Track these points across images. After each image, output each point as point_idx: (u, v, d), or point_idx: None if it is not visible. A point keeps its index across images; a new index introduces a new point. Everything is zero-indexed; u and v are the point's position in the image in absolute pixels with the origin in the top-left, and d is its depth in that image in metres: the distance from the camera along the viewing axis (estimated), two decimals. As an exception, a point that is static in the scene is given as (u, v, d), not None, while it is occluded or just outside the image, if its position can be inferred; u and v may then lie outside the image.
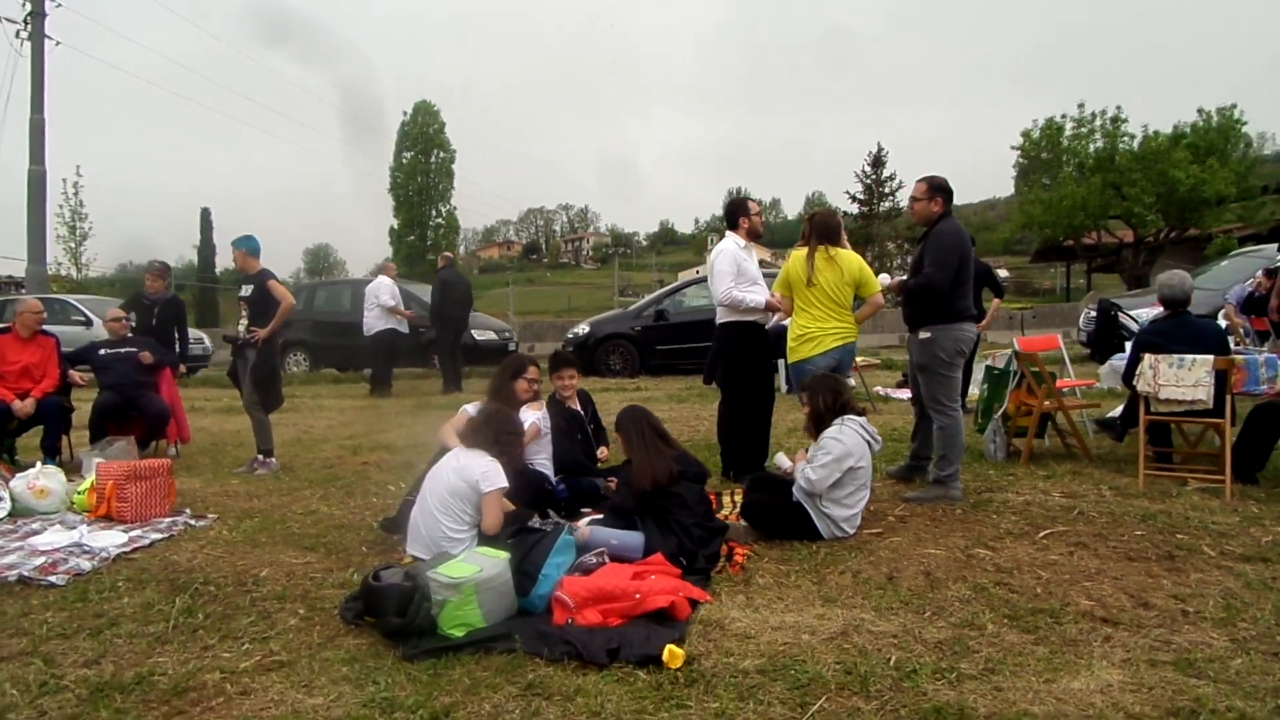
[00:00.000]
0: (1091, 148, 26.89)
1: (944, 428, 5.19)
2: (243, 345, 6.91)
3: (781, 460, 4.99)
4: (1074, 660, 3.11)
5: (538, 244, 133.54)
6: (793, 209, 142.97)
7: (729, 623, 3.49)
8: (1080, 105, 27.46)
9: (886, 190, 45.43)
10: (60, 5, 24.77)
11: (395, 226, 33.86)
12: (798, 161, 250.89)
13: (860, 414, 4.77)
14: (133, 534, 4.88)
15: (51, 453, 6.94)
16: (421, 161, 33.21)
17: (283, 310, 6.88)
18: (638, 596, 3.44)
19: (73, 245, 38.95)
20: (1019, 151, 29.03)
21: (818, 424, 4.75)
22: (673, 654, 3.12)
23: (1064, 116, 27.42)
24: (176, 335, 8.44)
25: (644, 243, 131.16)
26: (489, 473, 4.17)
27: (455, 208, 34.33)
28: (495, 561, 3.53)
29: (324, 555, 4.54)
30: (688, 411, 9.57)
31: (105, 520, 5.19)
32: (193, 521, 5.21)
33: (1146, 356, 5.49)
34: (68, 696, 3.02)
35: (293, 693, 3.01)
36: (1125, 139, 26.56)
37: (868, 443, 4.62)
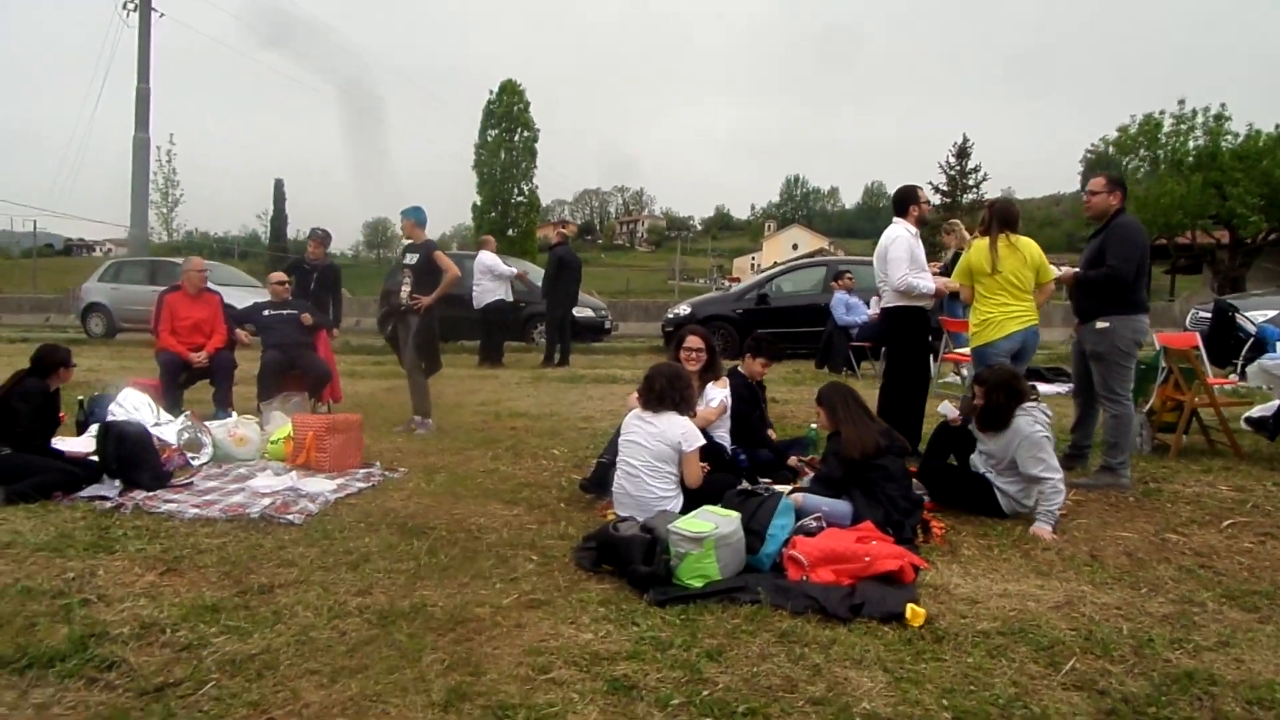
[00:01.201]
0: (1191, 145, 26.21)
1: (1117, 416, 5.29)
2: (406, 311, 7.22)
3: (946, 409, 5.09)
4: (1305, 639, 3.23)
5: (592, 225, 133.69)
6: (850, 198, 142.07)
7: (953, 588, 3.67)
8: (1181, 102, 26.79)
9: (970, 182, 44.79)
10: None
11: (477, 203, 34.46)
12: (853, 149, 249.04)
13: (1036, 399, 4.88)
14: (338, 481, 5.20)
15: (223, 404, 7.34)
16: (506, 139, 33.74)
17: (448, 280, 7.18)
18: (867, 559, 3.63)
19: (164, 211, 40.49)
20: (1112, 146, 28.41)
21: (994, 417, 4.74)
22: (914, 612, 3.31)
23: (1162, 112, 26.79)
24: (331, 301, 8.83)
25: (699, 227, 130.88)
26: (689, 433, 4.43)
27: (537, 186, 35.01)
28: (729, 520, 3.74)
29: (528, 509, 4.80)
30: (808, 394, 9.70)
31: (304, 469, 5.51)
32: (387, 473, 5.51)
33: (1316, 355, 5.50)
34: (356, 621, 3.31)
35: (563, 628, 3.26)
36: (1229, 138, 25.82)
37: (1049, 424, 4.75)
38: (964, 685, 2.81)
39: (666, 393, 4.55)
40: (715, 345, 5.52)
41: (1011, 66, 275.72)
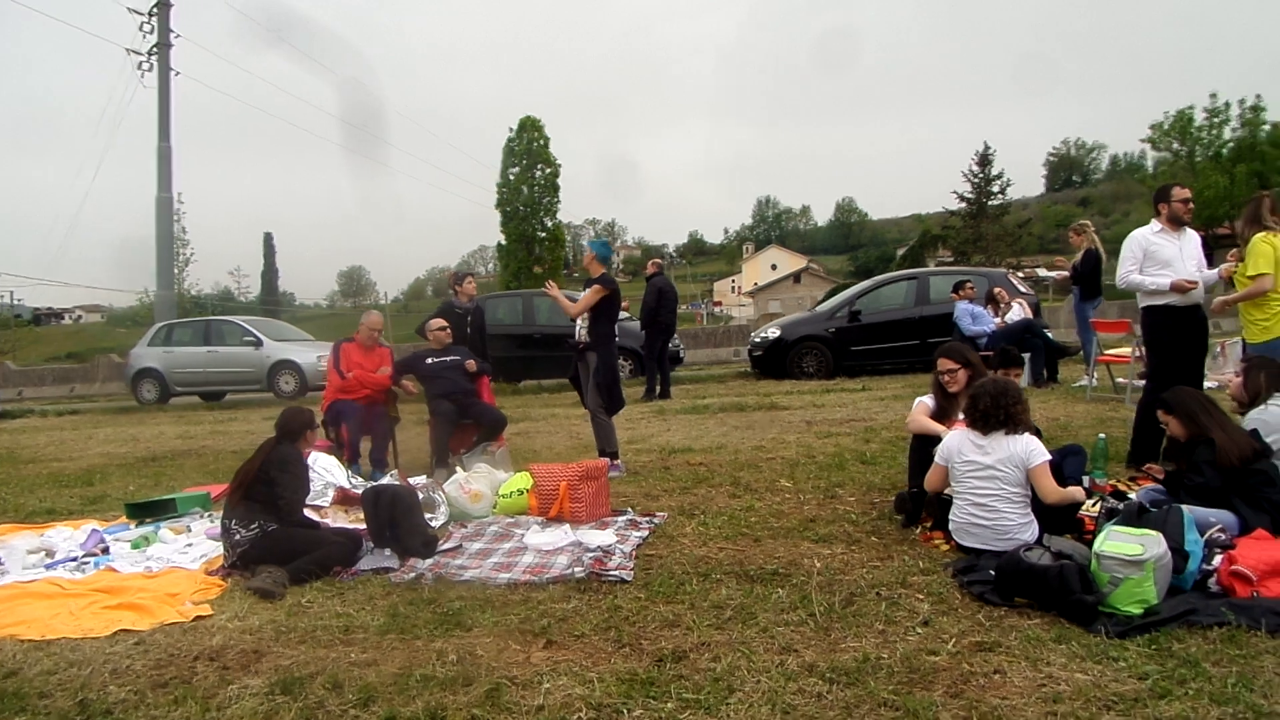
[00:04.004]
0: (1226, 135, 26.42)
1: None
2: (584, 350, 6.96)
3: None
4: None
5: (566, 258, 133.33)
6: (823, 215, 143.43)
7: (1406, 595, 3.43)
8: (1213, 95, 27.21)
9: (995, 189, 45.28)
10: (180, 37, 25.41)
11: (503, 242, 34.22)
12: (823, 167, 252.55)
13: None
14: (614, 531, 4.90)
15: (380, 465, 7.06)
16: (527, 176, 33.60)
17: (573, 309, 6.90)
18: (1316, 570, 3.39)
19: (174, 270, 40.06)
20: (1149, 144, 28.68)
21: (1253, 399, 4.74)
22: None
23: (1191, 107, 27.12)
24: (481, 343, 8.57)
25: (674, 254, 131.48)
26: (1032, 447, 4.19)
27: (561, 221, 34.63)
28: (1154, 539, 3.50)
29: (848, 546, 4.52)
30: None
31: (557, 521, 5.20)
32: (649, 519, 5.20)
33: None
34: (813, 681, 3.03)
35: (1050, 670, 3.02)
36: (1265, 127, 26.01)
37: None
38: None
39: (992, 411, 4.30)
40: (974, 359, 5.27)
41: (957, 74, 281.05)
